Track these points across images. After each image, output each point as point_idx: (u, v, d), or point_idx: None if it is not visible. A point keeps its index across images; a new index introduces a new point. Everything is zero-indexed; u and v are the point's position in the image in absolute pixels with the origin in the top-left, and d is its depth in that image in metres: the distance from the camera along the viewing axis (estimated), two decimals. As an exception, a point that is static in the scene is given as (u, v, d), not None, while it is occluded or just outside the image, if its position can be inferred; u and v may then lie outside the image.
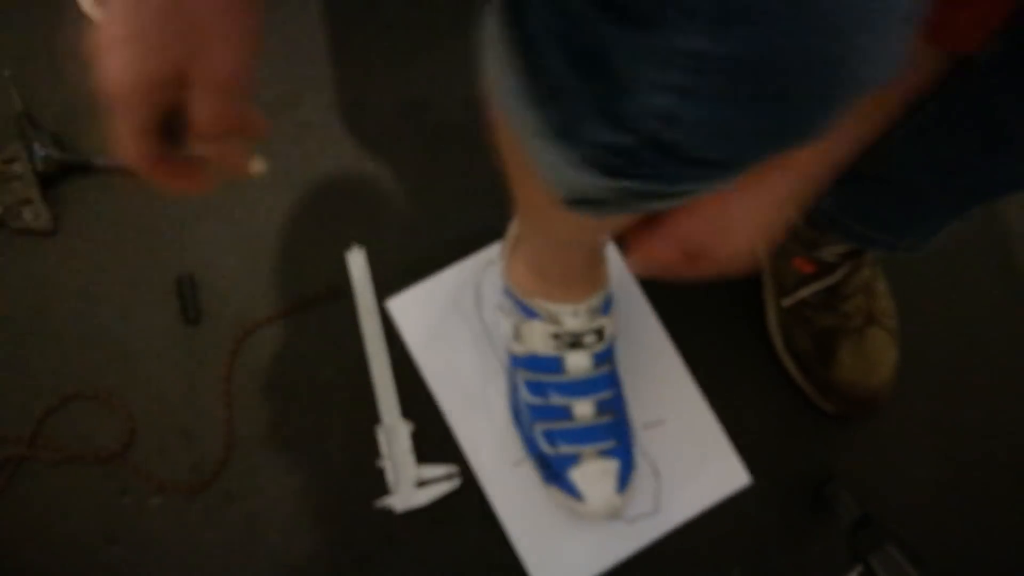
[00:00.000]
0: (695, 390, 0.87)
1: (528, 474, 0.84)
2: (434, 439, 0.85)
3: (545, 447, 0.80)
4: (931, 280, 0.93)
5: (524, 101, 0.41)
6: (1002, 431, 0.90)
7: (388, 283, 0.89)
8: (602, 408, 0.80)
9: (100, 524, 0.83)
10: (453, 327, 0.88)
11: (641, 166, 0.38)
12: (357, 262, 0.90)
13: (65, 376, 0.86)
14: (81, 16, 0.95)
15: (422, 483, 0.84)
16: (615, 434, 0.80)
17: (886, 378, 0.86)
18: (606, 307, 0.78)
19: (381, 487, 0.84)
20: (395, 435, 0.84)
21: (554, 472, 0.80)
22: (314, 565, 0.83)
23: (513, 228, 0.82)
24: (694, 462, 0.85)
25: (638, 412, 0.85)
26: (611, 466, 0.79)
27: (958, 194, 0.66)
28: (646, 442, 0.85)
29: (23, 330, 0.88)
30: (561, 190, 0.47)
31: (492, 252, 0.90)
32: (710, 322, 0.90)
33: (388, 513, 0.83)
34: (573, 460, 0.79)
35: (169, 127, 0.48)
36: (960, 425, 0.90)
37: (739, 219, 0.55)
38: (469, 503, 0.84)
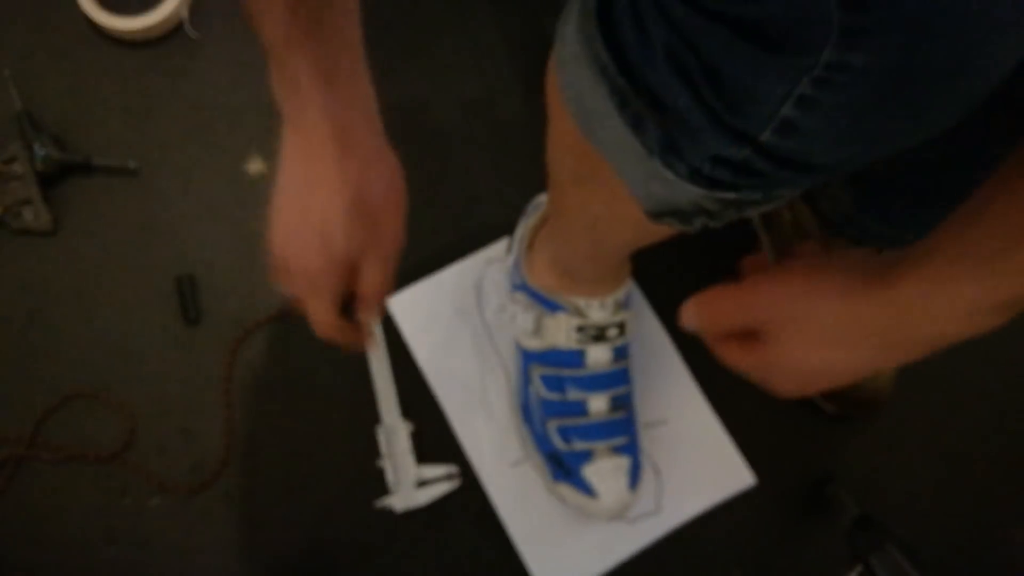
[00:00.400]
0: (696, 390, 0.87)
1: (529, 474, 0.84)
2: (434, 439, 0.85)
3: (559, 443, 0.80)
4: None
5: (618, 120, 0.41)
6: (1002, 431, 0.90)
7: (388, 283, 0.89)
8: (616, 404, 0.80)
9: (100, 524, 0.83)
10: (454, 325, 0.88)
11: (751, 176, 0.38)
12: (357, 262, 0.90)
13: (65, 376, 0.86)
14: (81, 16, 0.95)
15: (422, 483, 0.84)
16: (627, 431, 0.81)
17: (887, 379, 0.86)
18: (628, 301, 0.79)
19: (381, 487, 0.84)
20: (395, 435, 0.84)
21: (567, 469, 0.80)
22: (314, 565, 0.83)
23: (530, 228, 0.82)
24: (696, 462, 0.85)
25: (639, 411, 0.85)
26: (623, 463, 0.79)
27: (976, 183, 0.64)
28: (647, 441, 0.85)
29: (23, 330, 0.88)
30: (647, 203, 0.47)
31: (493, 251, 0.90)
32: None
33: (388, 513, 0.83)
34: (587, 457, 0.79)
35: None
36: (960, 425, 0.90)
37: (822, 330, 0.45)
38: (469, 503, 0.84)
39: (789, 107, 0.34)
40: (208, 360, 0.87)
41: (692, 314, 0.51)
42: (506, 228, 0.89)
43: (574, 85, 0.46)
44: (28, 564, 0.82)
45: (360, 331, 0.58)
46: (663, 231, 0.53)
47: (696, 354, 0.88)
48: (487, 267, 0.89)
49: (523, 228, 0.83)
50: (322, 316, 0.54)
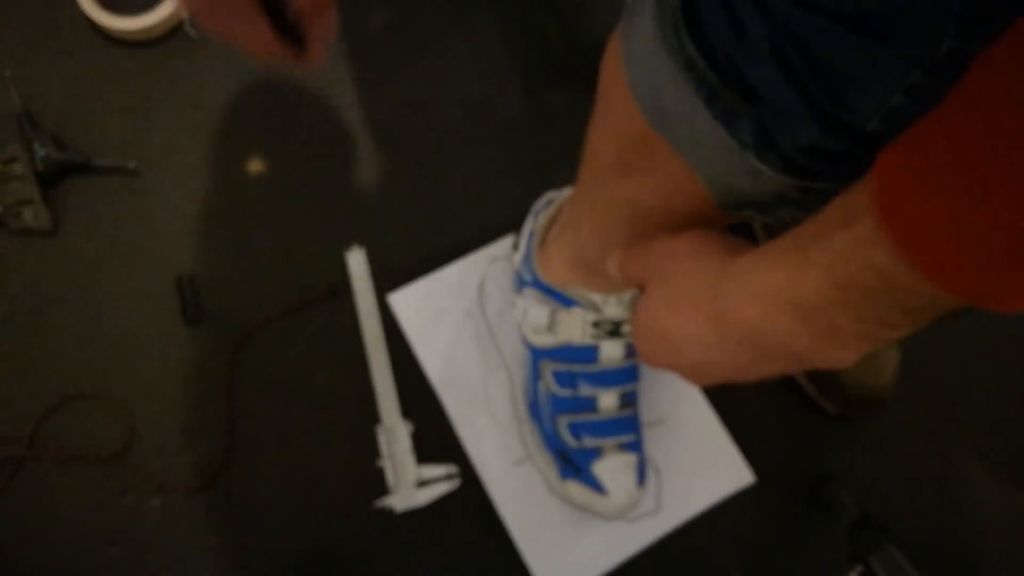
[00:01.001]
0: (696, 389, 0.87)
1: (531, 473, 0.84)
2: (434, 439, 0.85)
3: (569, 440, 0.80)
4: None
5: (705, 115, 0.41)
6: (1002, 430, 0.90)
7: (388, 283, 0.89)
8: (625, 401, 0.80)
9: (100, 524, 0.83)
10: (455, 323, 0.88)
11: (848, 163, 0.38)
12: (357, 261, 0.90)
13: (65, 376, 0.86)
14: (81, 16, 0.95)
15: (422, 483, 0.84)
16: (634, 428, 0.81)
17: (889, 379, 0.86)
18: None
19: (381, 487, 0.84)
20: (395, 435, 0.84)
21: (576, 467, 0.80)
22: (314, 565, 0.83)
23: (541, 225, 0.82)
24: (696, 461, 0.85)
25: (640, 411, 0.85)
26: (631, 460, 0.80)
27: None
28: (646, 441, 0.85)
29: (23, 330, 0.88)
30: (725, 196, 0.46)
31: (495, 249, 0.90)
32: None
33: (388, 513, 0.83)
34: (596, 454, 0.79)
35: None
36: (960, 425, 0.90)
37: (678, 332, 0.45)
38: (469, 503, 0.84)
39: (899, 96, 0.33)
40: (208, 360, 0.87)
41: (611, 262, 0.53)
42: (507, 227, 0.89)
43: (650, 81, 0.45)
44: (28, 564, 0.82)
45: (304, 47, 0.50)
46: (704, 226, 0.51)
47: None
48: (490, 265, 0.89)
49: (533, 224, 0.83)
50: (255, 37, 0.47)
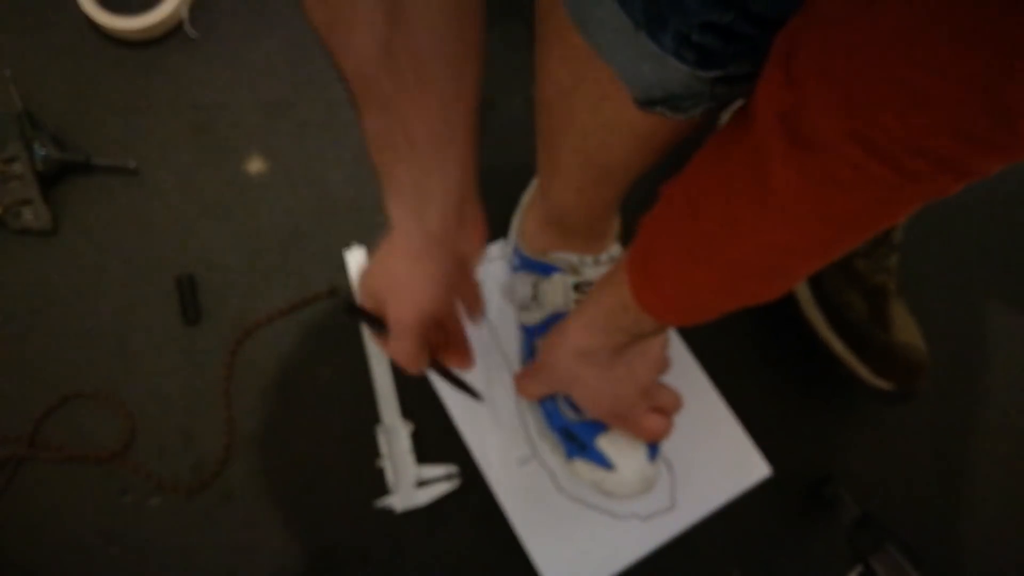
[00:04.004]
0: (707, 383, 0.87)
1: (537, 472, 0.84)
2: (434, 439, 0.85)
3: (569, 414, 0.78)
4: (931, 279, 0.93)
5: None
6: (1002, 430, 0.90)
7: (388, 283, 0.89)
8: None
9: (100, 524, 0.83)
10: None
11: (738, 42, 0.40)
12: (357, 261, 0.90)
13: (65, 376, 0.86)
14: (81, 16, 0.95)
15: (422, 483, 0.84)
16: None
17: (920, 337, 0.84)
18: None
19: (381, 487, 0.84)
20: (395, 435, 0.84)
21: (580, 443, 0.78)
22: (314, 565, 0.83)
23: (524, 205, 0.83)
24: (709, 456, 0.84)
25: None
26: None
27: None
28: None
29: (23, 330, 0.88)
30: (639, 89, 0.48)
31: (493, 250, 0.90)
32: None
33: (388, 513, 0.83)
34: (600, 427, 0.77)
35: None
36: (961, 424, 0.90)
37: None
38: (469, 503, 0.84)
39: None
40: (208, 360, 0.87)
41: (521, 391, 0.79)
42: (505, 227, 0.89)
43: None
44: (28, 564, 0.82)
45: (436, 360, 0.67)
46: (654, 148, 0.58)
47: (704, 348, 0.88)
48: (488, 265, 0.89)
49: (518, 210, 0.85)
50: (408, 353, 0.62)
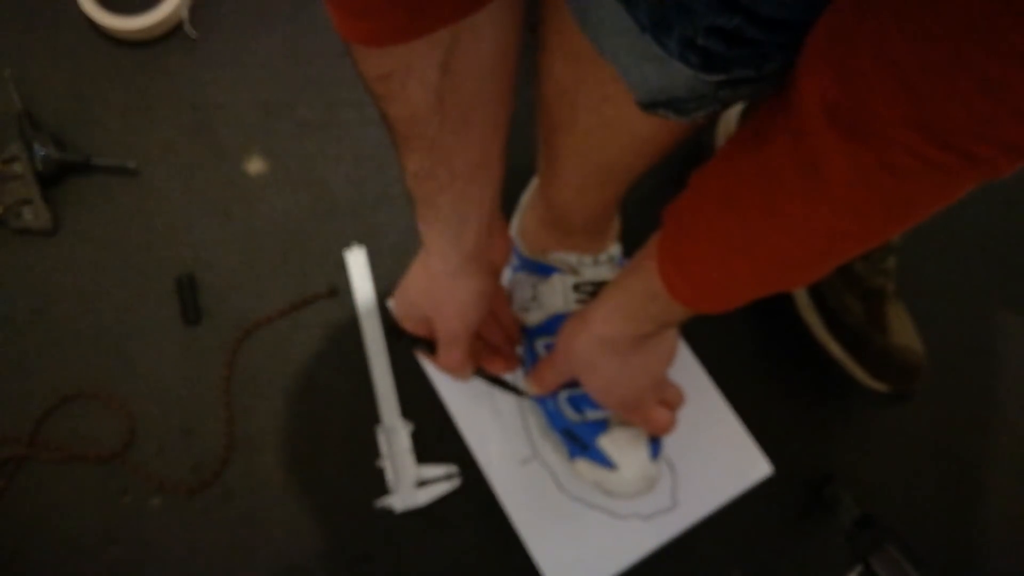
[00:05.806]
0: (708, 382, 0.87)
1: (538, 472, 0.84)
2: (434, 439, 0.85)
3: (571, 415, 0.78)
4: (931, 279, 0.93)
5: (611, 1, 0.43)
6: (1002, 430, 0.90)
7: (388, 283, 0.89)
8: None
9: (100, 524, 0.83)
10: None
11: (743, 46, 0.40)
12: (357, 261, 0.90)
13: (65, 376, 0.86)
14: (81, 16, 0.95)
15: (422, 483, 0.84)
16: None
17: (917, 339, 0.84)
18: (621, 262, 0.79)
19: (381, 487, 0.84)
20: (395, 435, 0.84)
21: (582, 443, 0.78)
22: (314, 565, 0.83)
23: (523, 205, 0.82)
24: (710, 455, 0.84)
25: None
26: (640, 431, 0.77)
27: None
28: None
29: (23, 330, 0.88)
30: (641, 91, 0.48)
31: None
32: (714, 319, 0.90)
33: (388, 513, 0.83)
34: (601, 427, 0.77)
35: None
36: (960, 425, 0.90)
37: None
38: (469, 503, 0.84)
39: None
40: (208, 360, 0.87)
41: (529, 387, 0.77)
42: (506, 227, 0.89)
43: None
44: (28, 564, 0.82)
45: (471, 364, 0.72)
46: (655, 149, 0.59)
47: (705, 348, 0.88)
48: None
49: (517, 210, 0.85)
50: (455, 360, 0.69)
